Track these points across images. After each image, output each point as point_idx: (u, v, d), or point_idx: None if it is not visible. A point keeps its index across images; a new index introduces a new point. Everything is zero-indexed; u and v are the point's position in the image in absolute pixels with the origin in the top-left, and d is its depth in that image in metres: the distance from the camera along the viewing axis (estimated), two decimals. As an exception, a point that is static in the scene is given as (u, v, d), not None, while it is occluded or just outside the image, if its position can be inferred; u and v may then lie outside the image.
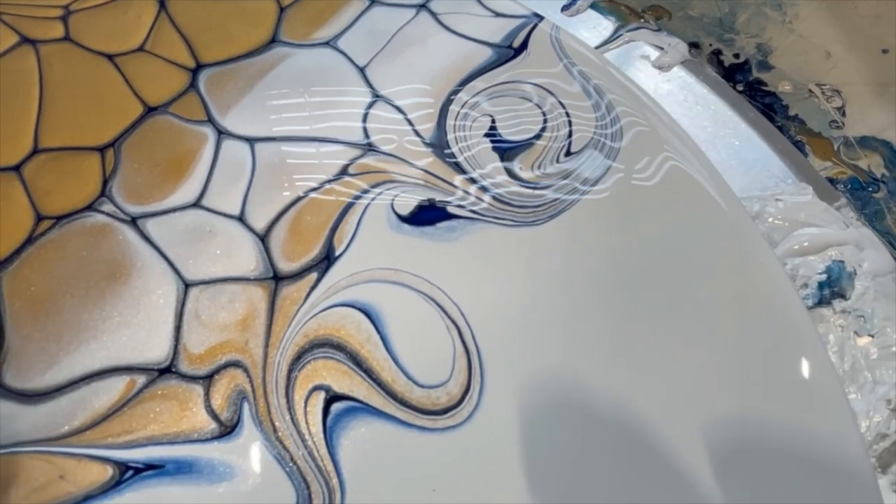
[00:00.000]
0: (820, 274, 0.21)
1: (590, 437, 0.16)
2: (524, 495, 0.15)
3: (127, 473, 0.16)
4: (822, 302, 0.21)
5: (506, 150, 0.19)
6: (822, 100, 0.32)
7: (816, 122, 0.30)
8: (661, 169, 0.18)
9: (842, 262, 0.21)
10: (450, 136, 0.19)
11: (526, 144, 0.19)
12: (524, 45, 0.21)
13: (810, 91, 0.31)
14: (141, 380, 0.16)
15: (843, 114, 0.31)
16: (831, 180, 0.28)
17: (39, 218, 0.18)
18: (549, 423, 0.16)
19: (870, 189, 0.28)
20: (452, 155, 0.19)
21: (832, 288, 0.21)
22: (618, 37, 0.25)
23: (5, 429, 0.16)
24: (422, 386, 0.17)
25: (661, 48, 0.25)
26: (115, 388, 0.16)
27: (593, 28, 0.25)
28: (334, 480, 0.16)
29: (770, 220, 0.21)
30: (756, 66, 0.31)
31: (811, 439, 0.16)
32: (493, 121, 0.19)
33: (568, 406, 0.16)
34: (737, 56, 0.31)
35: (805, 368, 0.16)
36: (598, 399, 0.16)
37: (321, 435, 0.16)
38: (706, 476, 0.15)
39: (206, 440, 0.16)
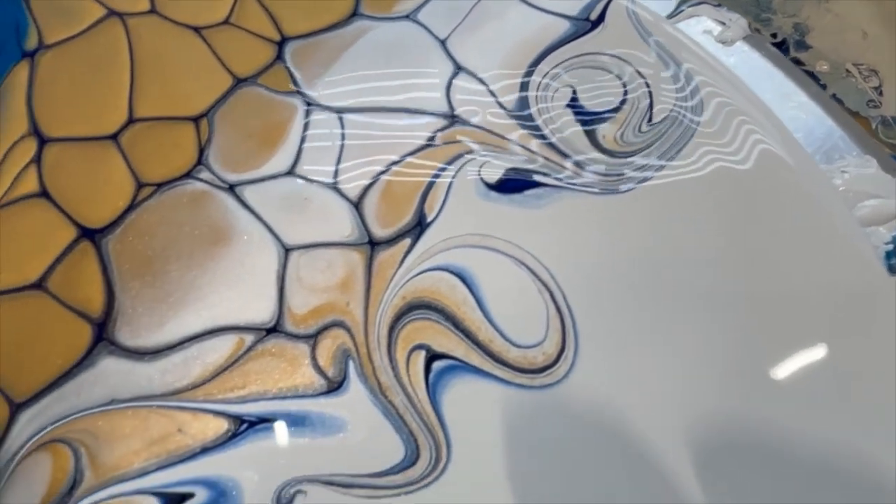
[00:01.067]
0: (887, 244, 0.22)
1: (689, 392, 0.16)
2: (624, 451, 0.16)
3: (242, 427, 0.16)
4: (890, 271, 0.21)
5: (588, 120, 0.20)
6: (859, 79, 0.32)
7: (854, 102, 0.30)
8: (750, 148, 0.18)
9: (907, 231, 0.22)
10: (532, 108, 0.20)
11: (607, 114, 0.20)
12: (601, 18, 0.21)
13: (847, 71, 0.31)
14: (249, 339, 0.17)
15: (881, 93, 0.31)
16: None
17: (140, 185, 0.19)
18: (644, 385, 0.17)
19: None
20: (536, 126, 0.20)
21: (899, 257, 0.22)
22: (680, 11, 0.25)
23: (123, 385, 0.17)
24: (518, 346, 0.17)
25: (723, 23, 0.25)
26: (224, 347, 0.17)
27: (656, 2, 0.25)
28: (440, 434, 0.16)
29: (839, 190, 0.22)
30: (794, 46, 0.32)
31: None
32: (575, 92, 0.20)
33: (664, 368, 0.17)
34: (774, 36, 0.31)
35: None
36: (694, 361, 0.17)
37: (424, 391, 0.17)
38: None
39: (315, 395, 0.17)
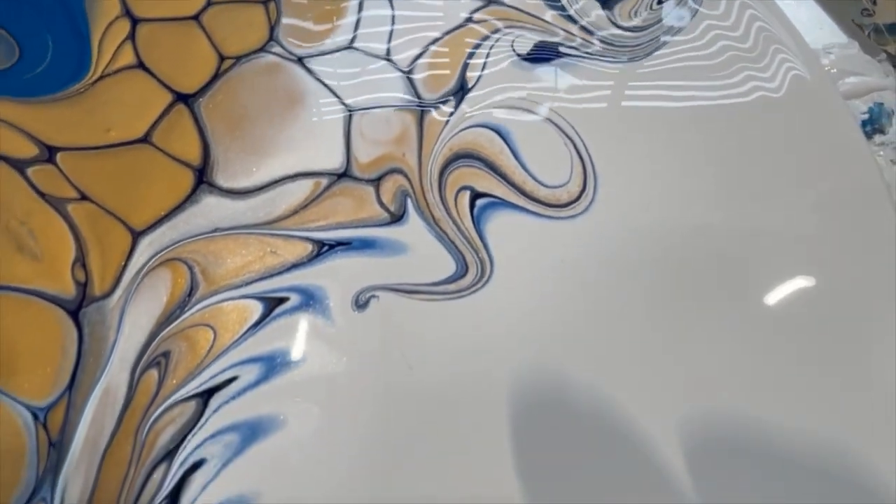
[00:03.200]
0: (863, 114, 0.25)
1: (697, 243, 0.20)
2: (635, 275, 0.20)
3: (323, 248, 0.20)
4: (867, 136, 0.25)
5: (604, 2, 0.23)
6: (854, -12, 0.34)
7: (850, 10, 0.33)
8: (747, 22, 0.21)
9: (881, 103, 0.25)
10: (558, -10, 0.23)
11: (622, -3, 0.23)
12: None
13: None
14: (324, 182, 0.21)
15: (874, 2, 0.34)
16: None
17: (222, 58, 0.22)
18: (654, 217, 0.20)
19: None
20: (563, 7, 0.23)
21: (873, 125, 0.25)
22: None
23: (223, 217, 0.20)
24: (547, 186, 0.21)
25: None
26: (304, 188, 0.21)
27: None
28: (484, 254, 0.20)
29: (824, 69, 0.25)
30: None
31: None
32: (595, -24, 0.23)
33: (668, 203, 0.21)
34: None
35: None
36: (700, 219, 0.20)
37: (470, 222, 0.20)
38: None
39: (381, 225, 0.20)
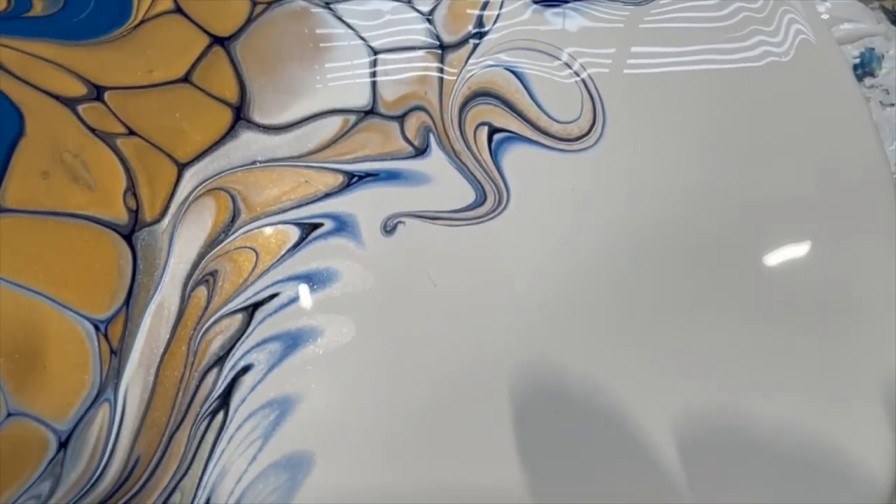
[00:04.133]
0: (855, 58, 0.26)
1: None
2: (640, 204, 0.22)
3: (353, 179, 0.22)
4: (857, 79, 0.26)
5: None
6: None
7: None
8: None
9: (872, 48, 0.27)
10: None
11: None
12: None
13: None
14: (352, 118, 0.22)
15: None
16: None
17: (254, 3, 0.24)
18: (663, 149, 0.22)
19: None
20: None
21: (864, 69, 0.26)
22: None
23: (261, 151, 0.22)
24: (559, 122, 0.22)
25: None
26: (334, 124, 0.22)
27: None
28: (500, 184, 0.22)
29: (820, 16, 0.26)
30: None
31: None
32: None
33: (671, 144, 0.22)
34: None
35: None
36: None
37: (488, 155, 0.22)
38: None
39: (406, 158, 0.22)
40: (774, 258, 0.21)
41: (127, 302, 0.20)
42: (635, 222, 0.22)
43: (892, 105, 0.26)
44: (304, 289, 0.21)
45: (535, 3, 0.23)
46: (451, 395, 0.20)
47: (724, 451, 0.19)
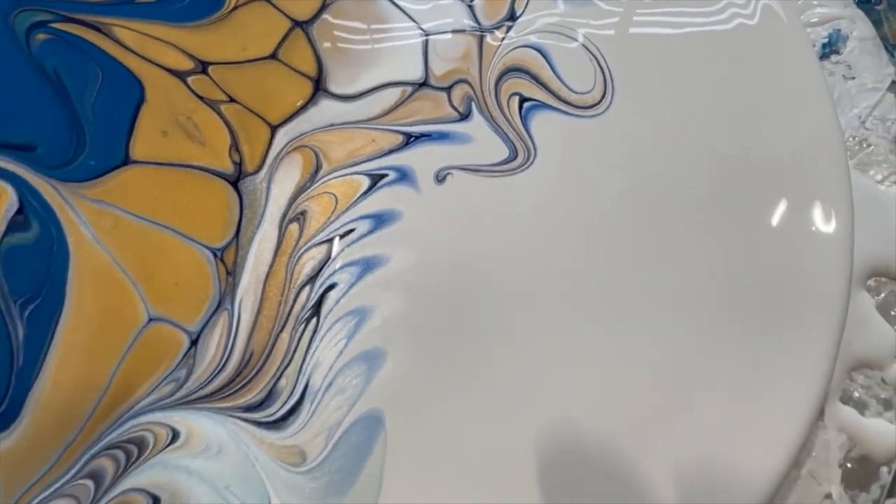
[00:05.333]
0: (824, 38, 0.32)
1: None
2: (646, 163, 0.27)
3: (411, 139, 0.27)
4: (823, 56, 0.31)
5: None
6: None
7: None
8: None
9: (839, 29, 0.32)
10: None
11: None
12: None
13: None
14: (409, 89, 0.28)
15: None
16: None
17: (326, -8, 0.29)
18: (668, 119, 0.27)
19: (873, 2, 0.38)
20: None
21: (831, 47, 0.32)
22: None
23: (338, 115, 0.27)
24: (577, 92, 0.28)
25: None
26: (394, 94, 0.28)
27: None
28: (529, 143, 0.27)
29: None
30: None
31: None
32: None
33: (669, 104, 0.28)
34: None
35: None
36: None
37: (519, 119, 0.27)
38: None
39: (453, 122, 0.27)
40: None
41: (237, 234, 0.26)
42: (637, 174, 0.27)
43: (853, 78, 0.31)
44: (374, 225, 0.26)
45: (559, -7, 0.28)
46: (495, 297, 0.25)
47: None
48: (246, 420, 0.24)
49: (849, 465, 0.27)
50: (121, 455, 0.23)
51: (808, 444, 0.27)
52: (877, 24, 0.37)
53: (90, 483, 0.23)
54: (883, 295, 0.28)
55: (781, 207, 0.26)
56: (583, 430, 0.24)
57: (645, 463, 0.23)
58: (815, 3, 0.32)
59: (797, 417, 0.23)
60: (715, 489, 0.22)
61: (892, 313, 0.28)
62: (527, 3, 0.28)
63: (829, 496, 0.26)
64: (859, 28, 0.32)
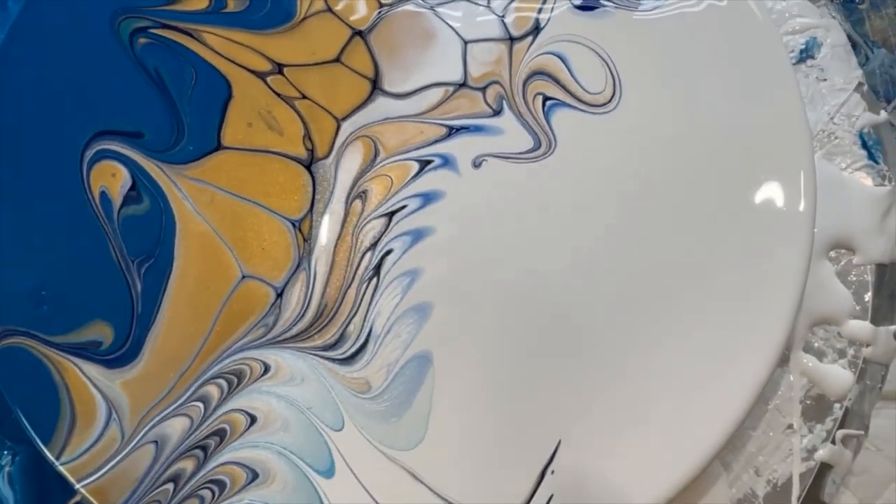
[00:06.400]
0: (801, 45, 0.37)
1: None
2: (649, 152, 0.32)
3: (452, 130, 0.33)
4: (800, 61, 0.37)
5: (631, -32, 0.34)
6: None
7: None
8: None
9: (815, 37, 0.37)
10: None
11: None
12: None
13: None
14: (451, 89, 0.33)
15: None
16: (829, -7, 0.42)
17: (381, 5, 0.34)
18: (662, 112, 0.33)
19: (857, 2, 0.43)
20: (602, -29, 0.34)
21: (807, 53, 0.37)
22: None
23: (392, 111, 0.33)
24: (590, 93, 0.33)
25: None
26: (438, 92, 0.33)
27: None
28: (550, 136, 0.33)
29: (774, 15, 0.37)
30: None
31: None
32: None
33: (658, 105, 0.33)
34: None
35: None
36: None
37: (542, 115, 0.33)
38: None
39: (487, 117, 0.33)
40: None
41: (311, 209, 0.32)
42: (639, 160, 0.33)
43: (825, 80, 0.37)
44: (422, 202, 0.32)
45: (577, 8, 0.34)
46: (523, 259, 0.31)
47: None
48: (322, 357, 0.30)
49: (808, 401, 0.33)
50: (223, 383, 0.30)
51: (775, 384, 0.33)
52: (859, 22, 0.43)
53: (200, 405, 0.29)
54: (842, 264, 0.34)
55: (759, 189, 0.32)
56: (597, 368, 0.30)
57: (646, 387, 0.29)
58: (795, 13, 0.37)
59: (764, 359, 0.29)
60: (695, 413, 0.28)
61: (849, 279, 0.34)
62: (549, 18, 0.34)
63: (790, 426, 0.32)
64: (832, 36, 0.37)
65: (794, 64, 0.36)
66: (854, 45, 0.41)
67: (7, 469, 0.33)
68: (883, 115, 0.36)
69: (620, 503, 0.28)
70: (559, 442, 0.29)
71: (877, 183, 0.35)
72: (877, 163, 0.35)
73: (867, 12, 0.43)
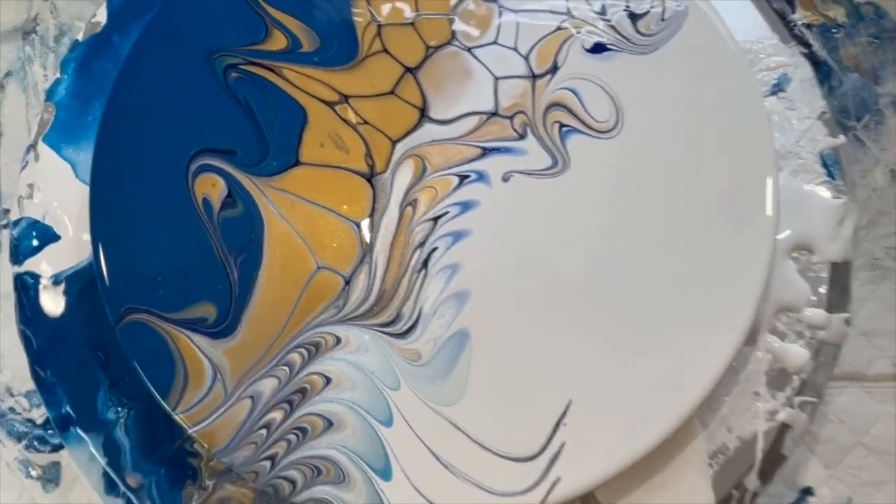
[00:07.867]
0: (774, 80, 0.44)
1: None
2: (647, 169, 0.40)
3: (485, 151, 0.40)
4: (772, 93, 0.44)
5: (634, 18, 0.42)
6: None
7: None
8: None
9: (786, 73, 0.44)
10: (609, 12, 0.42)
11: (643, 14, 0.42)
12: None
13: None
14: (484, 117, 0.41)
15: (792, 7, 0.50)
16: (808, 25, 0.49)
17: (427, 47, 0.42)
18: (654, 135, 0.40)
19: (833, 31, 0.50)
20: (609, 20, 0.42)
21: (779, 87, 0.44)
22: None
23: (436, 134, 0.41)
24: (598, 121, 0.41)
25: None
26: (474, 120, 0.41)
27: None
28: (566, 156, 0.40)
29: (751, 55, 0.44)
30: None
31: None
32: (628, 4, 0.42)
33: (651, 131, 0.41)
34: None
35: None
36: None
37: (559, 139, 0.40)
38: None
39: (513, 140, 0.41)
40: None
41: (371, 213, 0.39)
42: (637, 177, 0.40)
43: (794, 109, 0.44)
44: (461, 210, 0.40)
45: (587, 50, 0.42)
46: (546, 256, 0.39)
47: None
48: (382, 332, 0.38)
49: (772, 374, 0.40)
50: (304, 352, 0.37)
51: (745, 359, 0.40)
52: (835, 49, 0.50)
53: (286, 368, 0.37)
54: (803, 262, 0.42)
55: (733, 198, 0.39)
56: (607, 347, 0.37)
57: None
58: (770, 53, 0.45)
59: (733, 338, 0.37)
60: (679, 377, 0.36)
61: (808, 275, 0.41)
62: (565, 59, 0.41)
63: (757, 393, 0.40)
64: (800, 72, 0.44)
65: (767, 96, 0.44)
66: (829, 70, 0.49)
67: (123, 420, 0.40)
68: (841, 138, 0.43)
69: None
70: (570, 401, 0.36)
71: (833, 196, 0.42)
72: (834, 179, 0.42)
73: (842, 41, 0.50)
